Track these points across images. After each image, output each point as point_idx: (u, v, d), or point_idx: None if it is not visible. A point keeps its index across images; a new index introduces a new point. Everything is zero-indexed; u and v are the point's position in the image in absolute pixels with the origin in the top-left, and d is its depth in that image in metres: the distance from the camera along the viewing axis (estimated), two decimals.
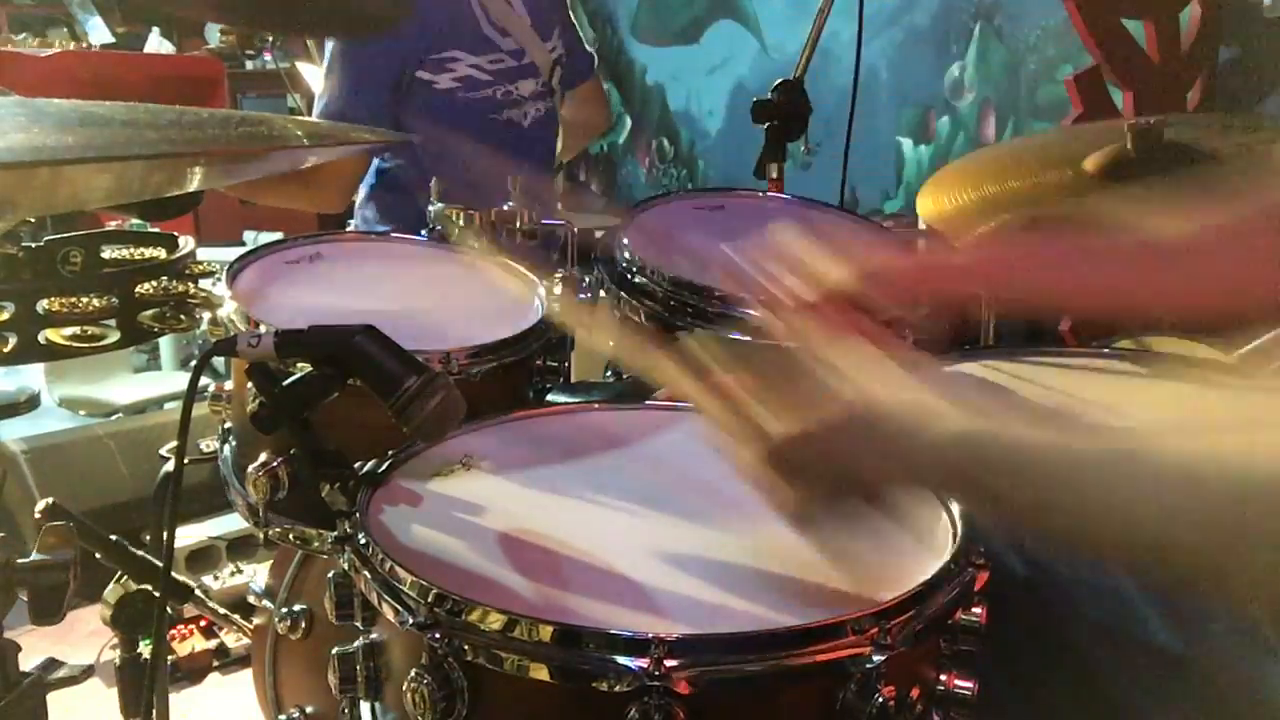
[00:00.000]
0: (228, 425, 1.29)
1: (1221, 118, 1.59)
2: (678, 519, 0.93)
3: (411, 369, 0.92)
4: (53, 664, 2.46)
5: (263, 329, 1.03)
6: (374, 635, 0.88)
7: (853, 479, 0.79)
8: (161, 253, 1.42)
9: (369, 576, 0.82)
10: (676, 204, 1.57)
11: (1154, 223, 0.85)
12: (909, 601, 0.76)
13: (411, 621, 0.76)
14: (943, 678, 0.81)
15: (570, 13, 2.34)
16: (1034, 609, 0.96)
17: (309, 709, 1.36)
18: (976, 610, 0.81)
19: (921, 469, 0.77)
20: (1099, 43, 3.08)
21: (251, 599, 1.46)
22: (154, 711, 1.18)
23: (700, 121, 5.49)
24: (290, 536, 1.16)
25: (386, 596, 0.79)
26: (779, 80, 1.85)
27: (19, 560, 0.98)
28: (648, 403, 1.17)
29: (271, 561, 1.50)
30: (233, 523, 2.90)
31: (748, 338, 1.27)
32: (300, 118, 2.35)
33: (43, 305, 1.23)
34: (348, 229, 2.14)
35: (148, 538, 1.63)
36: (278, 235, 2.90)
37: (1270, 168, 1.38)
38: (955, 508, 0.90)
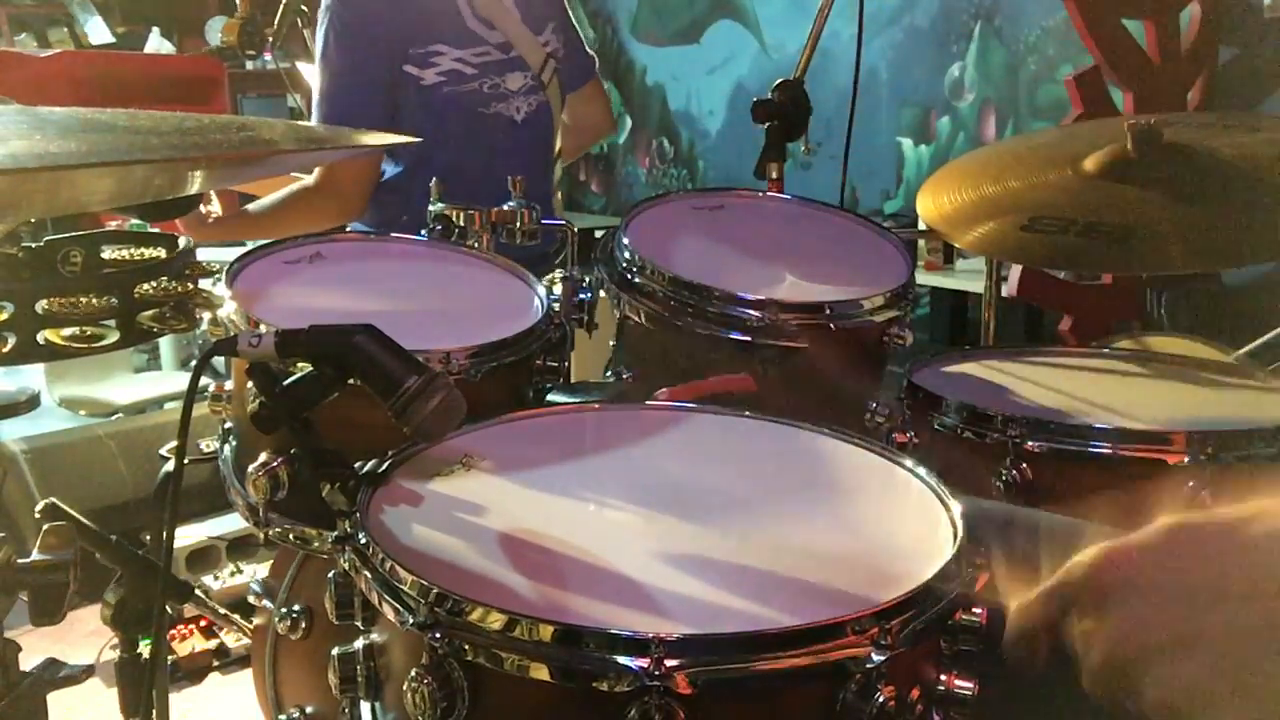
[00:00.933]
0: (228, 425, 1.29)
1: (1221, 117, 1.59)
2: (678, 519, 0.93)
3: (412, 369, 0.92)
4: (53, 664, 2.47)
5: (263, 329, 1.03)
6: (374, 635, 0.88)
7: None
8: (161, 253, 1.42)
9: (369, 576, 0.82)
10: (676, 204, 1.57)
11: None
12: (909, 601, 0.76)
13: (412, 621, 0.76)
14: (943, 678, 0.81)
15: (570, 13, 2.33)
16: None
17: (309, 709, 1.36)
18: (976, 610, 0.81)
19: None
20: (1099, 43, 3.09)
21: (251, 599, 1.46)
22: (154, 711, 1.18)
23: (700, 121, 5.50)
24: (290, 536, 1.16)
25: (387, 596, 0.79)
26: (779, 80, 1.85)
27: (19, 560, 0.99)
28: (648, 403, 1.17)
29: (271, 561, 1.50)
30: (233, 523, 2.91)
31: (748, 338, 1.27)
32: (300, 122, 2.34)
33: (43, 305, 1.23)
34: (346, 229, 2.14)
35: (148, 538, 1.63)
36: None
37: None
38: (955, 507, 0.90)
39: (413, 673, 0.76)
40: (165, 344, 4.16)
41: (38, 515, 1.09)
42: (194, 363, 1.09)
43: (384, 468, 0.98)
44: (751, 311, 1.27)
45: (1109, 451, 1.13)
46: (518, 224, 1.53)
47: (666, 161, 5.72)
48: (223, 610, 1.60)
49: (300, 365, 0.98)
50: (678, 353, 1.31)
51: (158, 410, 3.61)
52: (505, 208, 1.53)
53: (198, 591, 1.49)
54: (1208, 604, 0.61)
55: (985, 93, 4.28)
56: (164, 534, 1.12)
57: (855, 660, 0.73)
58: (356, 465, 0.97)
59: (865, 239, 1.55)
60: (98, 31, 5.58)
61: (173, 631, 2.56)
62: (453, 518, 0.92)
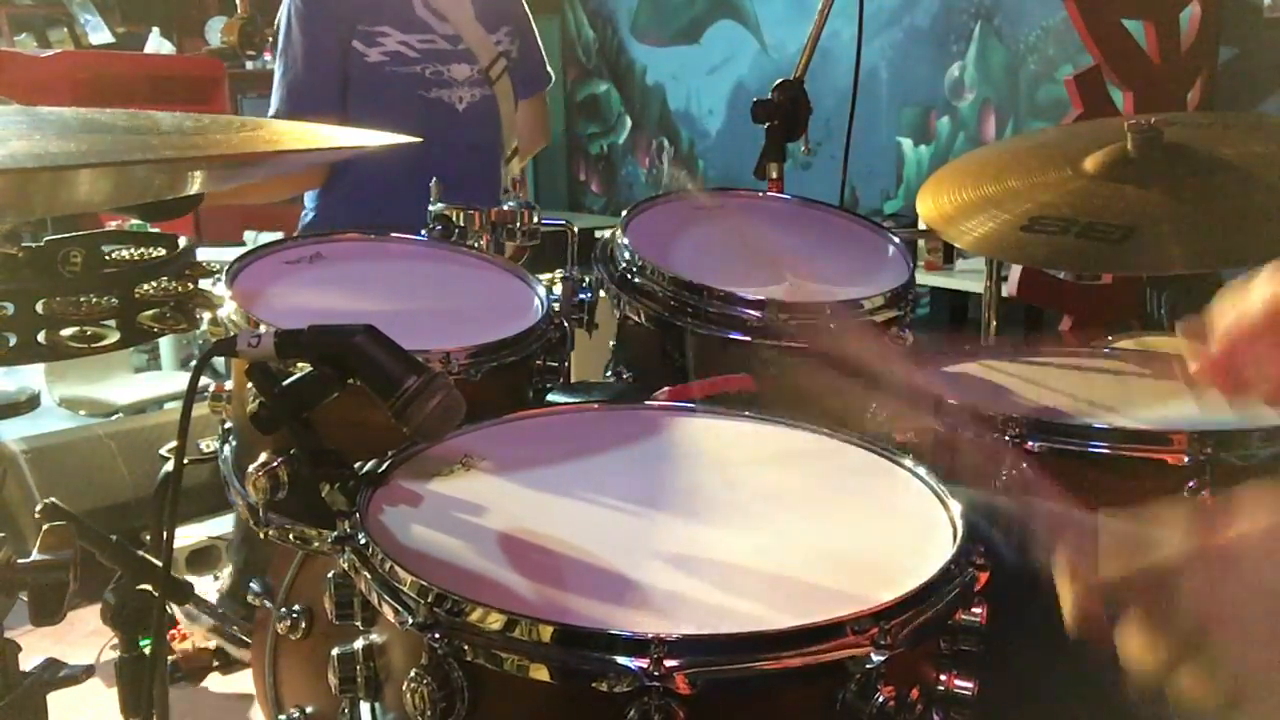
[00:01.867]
0: (228, 425, 1.29)
1: (1221, 117, 1.59)
2: (678, 519, 0.93)
3: (411, 369, 0.92)
4: (53, 664, 2.46)
5: (263, 329, 1.03)
6: (374, 635, 0.88)
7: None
8: (161, 253, 1.42)
9: (369, 576, 0.82)
10: (676, 204, 1.57)
11: None
12: (909, 601, 0.76)
13: (411, 621, 0.76)
14: (943, 678, 0.81)
15: (533, 26, 2.39)
16: (1034, 609, 0.96)
17: (309, 709, 1.36)
18: (976, 610, 0.81)
19: None
20: (1099, 43, 3.08)
21: (251, 599, 1.45)
22: (154, 711, 1.18)
23: (700, 121, 5.50)
24: (290, 536, 1.16)
25: (386, 596, 0.79)
26: (779, 80, 1.85)
27: (19, 560, 0.99)
28: (648, 403, 1.17)
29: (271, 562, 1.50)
30: (233, 523, 2.90)
31: (748, 338, 1.27)
32: (300, 122, 2.36)
33: (43, 305, 1.23)
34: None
35: (148, 538, 1.63)
36: (278, 235, 2.90)
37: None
38: (955, 507, 0.90)
39: (412, 673, 0.76)
40: (165, 344, 4.16)
41: (38, 515, 1.09)
42: (194, 363, 1.09)
43: (384, 468, 0.98)
44: (751, 311, 1.27)
45: (1109, 451, 1.13)
46: (518, 224, 1.53)
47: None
48: (222, 610, 1.59)
49: (300, 365, 0.98)
50: (678, 353, 1.31)
51: (158, 410, 3.60)
52: (505, 207, 1.53)
53: (198, 591, 1.48)
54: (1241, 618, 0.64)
55: (985, 93, 4.28)
56: (164, 534, 1.12)
57: (855, 660, 0.73)
58: (356, 465, 0.97)
59: (865, 239, 1.55)
60: (98, 31, 5.58)
61: (173, 631, 2.56)
62: (452, 518, 0.92)
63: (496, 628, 0.74)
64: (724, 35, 5.30)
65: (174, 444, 1.01)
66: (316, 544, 1.16)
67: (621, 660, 0.70)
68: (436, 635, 0.74)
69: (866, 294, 1.33)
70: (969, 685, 0.81)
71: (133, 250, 1.42)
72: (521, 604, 0.77)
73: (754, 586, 0.82)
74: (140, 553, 1.26)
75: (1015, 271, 3.06)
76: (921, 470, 0.98)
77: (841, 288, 1.36)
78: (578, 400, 1.18)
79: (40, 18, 5.67)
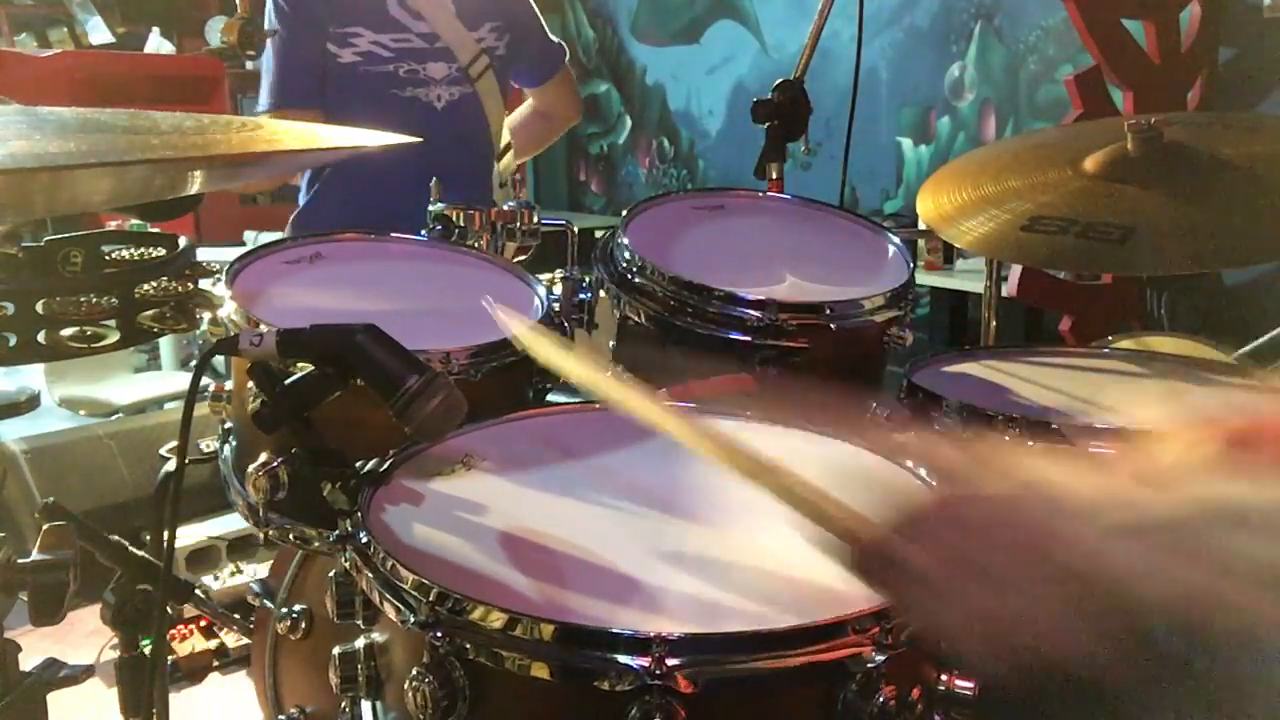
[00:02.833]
0: (228, 425, 1.29)
1: (1221, 117, 1.59)
2: (678, 519, 0.93)
3: (412, 369, 0.92)
4: (53, 664, 2.47)
5: (264, 328, 1.03)
6: (375, 634, 0.88)
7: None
8: (161, 253, 1.42)
9: (370, 575, 0.82)
10: (676, 204, 1.57)
11: None
12: None
13: (413, 620, 0.76)
14: (943, 678, 0.81)
15: (534, 9, 2.37)
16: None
17: (309, 709, 1.36)
18: None
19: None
20: (1099, 43, 3.09)
21: (251, 599, 1.46)
22: (154, 711, 1.18)
23: (700, 121, 5.50)
24: (290, 536, 1.16)
25: (388, 595, 0.79)
26: (779, 80, 1.85)
27: (19, 560, 0.99)
28: None
29: (271, 561, 1.50)
30: (233, 523, 2.91)
31: (748, 338, 1.27)
32: (299, 122, 2.37)
33: (43, 305, 1.23)
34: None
35: (148, 538, 1.63)
36: (278, 235, 2.90)
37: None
38: None
39: (414, 672, 0.76)
40: (165, 344, 4.16)
41: (38, 515, 1.09)
42: (194, 363, 1.09)
43: (385, 467, 0.98)
44: (751, 311, 1.27)
45: (1109, 451, 1.13)
46: (518, 224, 1.53)
47: (666, 161, 5.72)
48: (222, 610, 1.59)
49: (301, 365, 0.98)
50: (678, 353, 1.31)
51: (158, 410, 3.60)
52: (505, 207, 1.53)
53: (198, 591, 1.49)
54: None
55: (985, 93, 4.28)
56: (164, 534, 1.12)
57: (856, 660, 0.73)
58: (357, 465, 0.97)
59: (865, 239, 1.55)
60: (98, 31, 5.58)
61: (173, 631, 2.56)
62: (454, 517, 0.92)
63: (498, 626, 0.74)
64: (724, 35, 5.30)
65: (174, 444, 1.01)
66: (317, 544, 1.16)
67: (623, 659, 0.71)
68: (438, 634, 0.74)
69: (866, 294, 1.33)
70: (969, 685, 0.81)
71: (133, 250, 1.42)
72: (523, 603, 0.77)
73: (755, 586, 0.82)
74: (140, 553, 1.26)
75: (1015, 271, 3.06)
76: (922, 470, 0.98)
77: (841, 288, 1.36)
78: (578, 400, 1.18)
79: (40, 18, 5.66)
